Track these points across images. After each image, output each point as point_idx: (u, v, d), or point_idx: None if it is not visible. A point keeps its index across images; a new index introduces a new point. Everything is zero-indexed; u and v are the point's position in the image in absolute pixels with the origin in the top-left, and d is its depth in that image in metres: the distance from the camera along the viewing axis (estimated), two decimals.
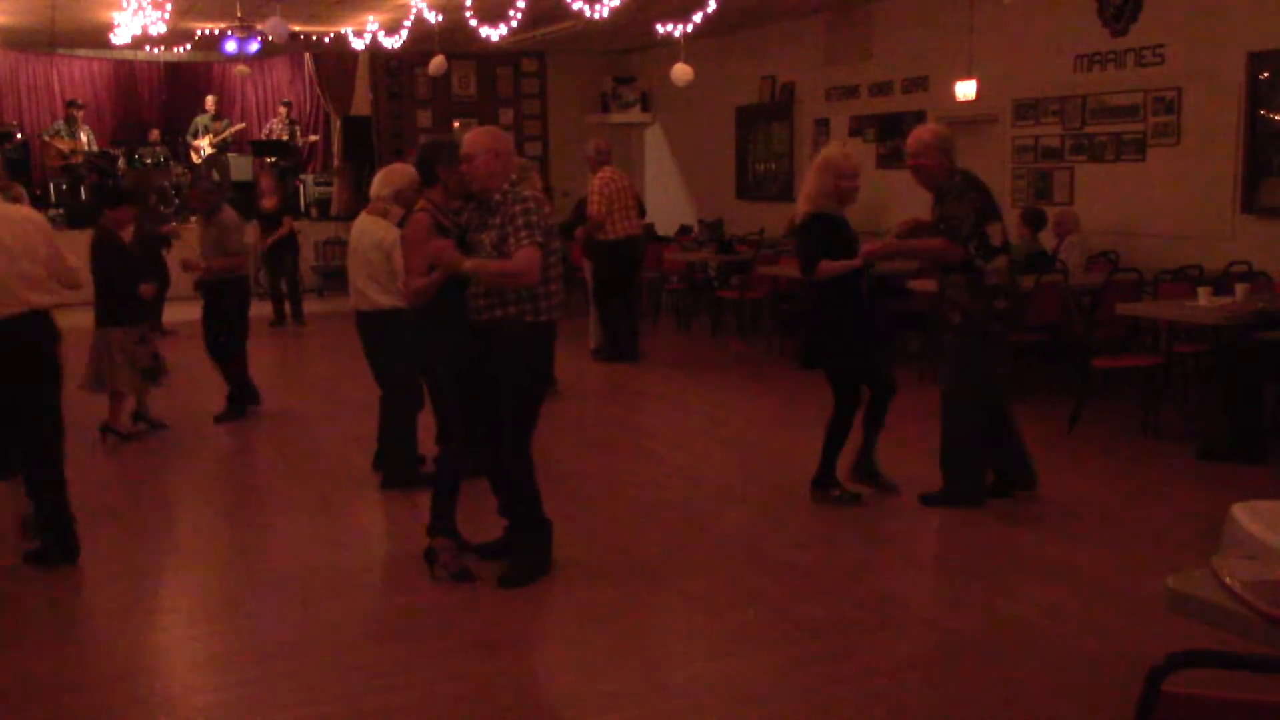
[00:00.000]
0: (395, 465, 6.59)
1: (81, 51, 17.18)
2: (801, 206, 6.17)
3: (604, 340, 10.86)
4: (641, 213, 11.86)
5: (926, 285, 9.41)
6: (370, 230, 6.44)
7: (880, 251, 6.19)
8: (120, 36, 13.68)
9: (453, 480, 5.18)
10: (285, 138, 17.32)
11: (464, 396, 5.10)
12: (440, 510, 5.17)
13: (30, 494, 5.42)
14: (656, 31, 13.33)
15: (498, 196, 4.93)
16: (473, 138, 5.02)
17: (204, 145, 17.04)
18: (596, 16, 11.23)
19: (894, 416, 6.41)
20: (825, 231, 6.07)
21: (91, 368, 7.59)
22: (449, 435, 5.20)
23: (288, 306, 13.53)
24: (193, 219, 11.14)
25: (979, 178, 6.13)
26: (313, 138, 17.90)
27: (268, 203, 13.18)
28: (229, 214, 8.60)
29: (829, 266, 6.01)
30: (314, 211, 16.74)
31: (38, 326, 5.23)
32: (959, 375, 6.07)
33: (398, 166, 6.72)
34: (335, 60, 17.12)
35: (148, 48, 15.91)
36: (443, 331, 5.04)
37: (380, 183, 6.52)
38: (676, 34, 12.75)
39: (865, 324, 6.16)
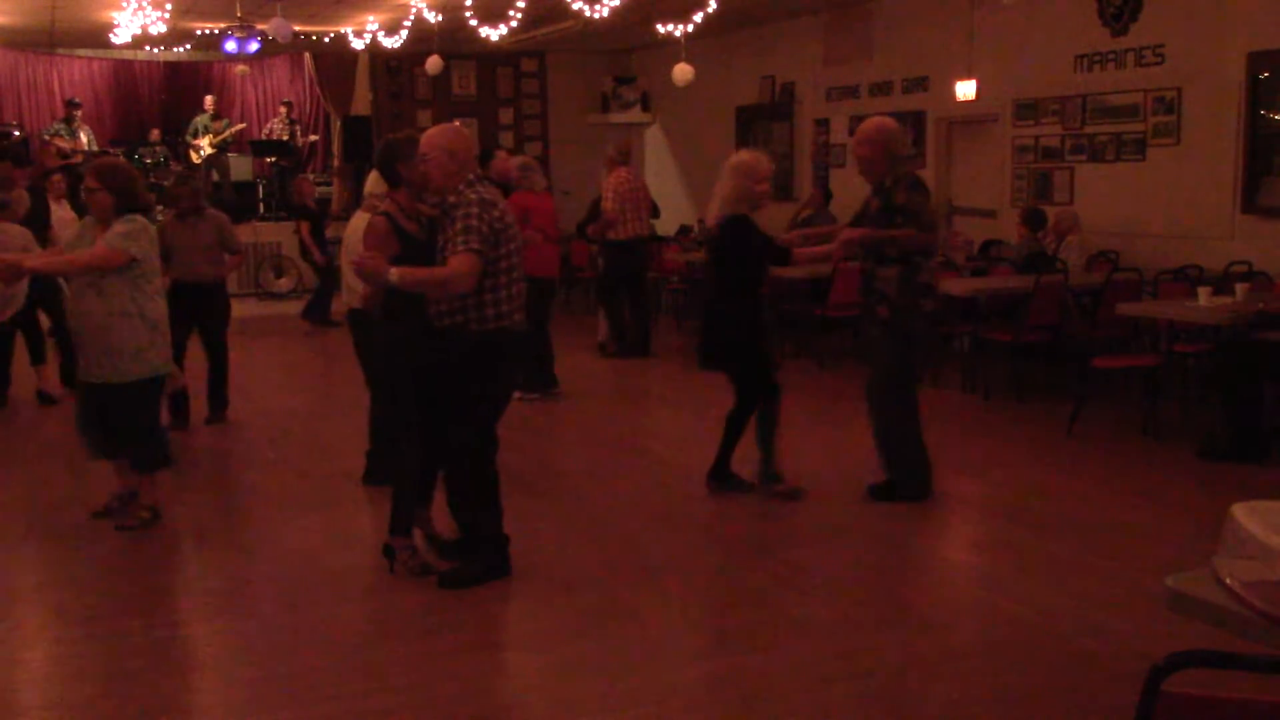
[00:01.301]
0: (379, 461, 6.65)
1: (81, 51, 17.19)
2: (719, 211, 6.16)
3: (610, 335, 10.94)
4: (655, 215, 11.90)
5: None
6: (361, 228, 6.48)
7: (858, 240, 6.12)
8: (120, 36, 13.69)
9: (411, 478, 5.19)
10: (285, 138, 17.32)
11: (420, 397, 5.06)
12: (399, 508, 5.19)
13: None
14: (656, 31, 13.34)
15: (452, 198, 4.83)
16: (428, 136, 4.94)
17: (204, 145, 17.04)
18: (596, 16, 11.24)
19: None
20: (745, 234, 6.11)
21: None
22: (408, 433, 5.17)
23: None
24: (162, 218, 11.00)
25: (919, 178, 6.17)
26: (313, 137, 17.91)
27: (313, 203, 13.26)
28: (219, 213, 8.64)
29: (802, 255, 6.08)
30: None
31: None
32: (884, 372, 6.13)
33: None
34: (335, 60, 17.12)
35: (147, 48, 15.91)
36: (403, 331, 5.00)
37: (373, 181, 6.57)
38: (676, 34, 12.76)
39: (764, 325, 6.30)
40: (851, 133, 13.47)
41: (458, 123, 17.60)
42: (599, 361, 10.82)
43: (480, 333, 4.82)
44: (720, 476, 6.36)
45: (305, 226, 13.21)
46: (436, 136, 4.91)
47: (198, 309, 8.14)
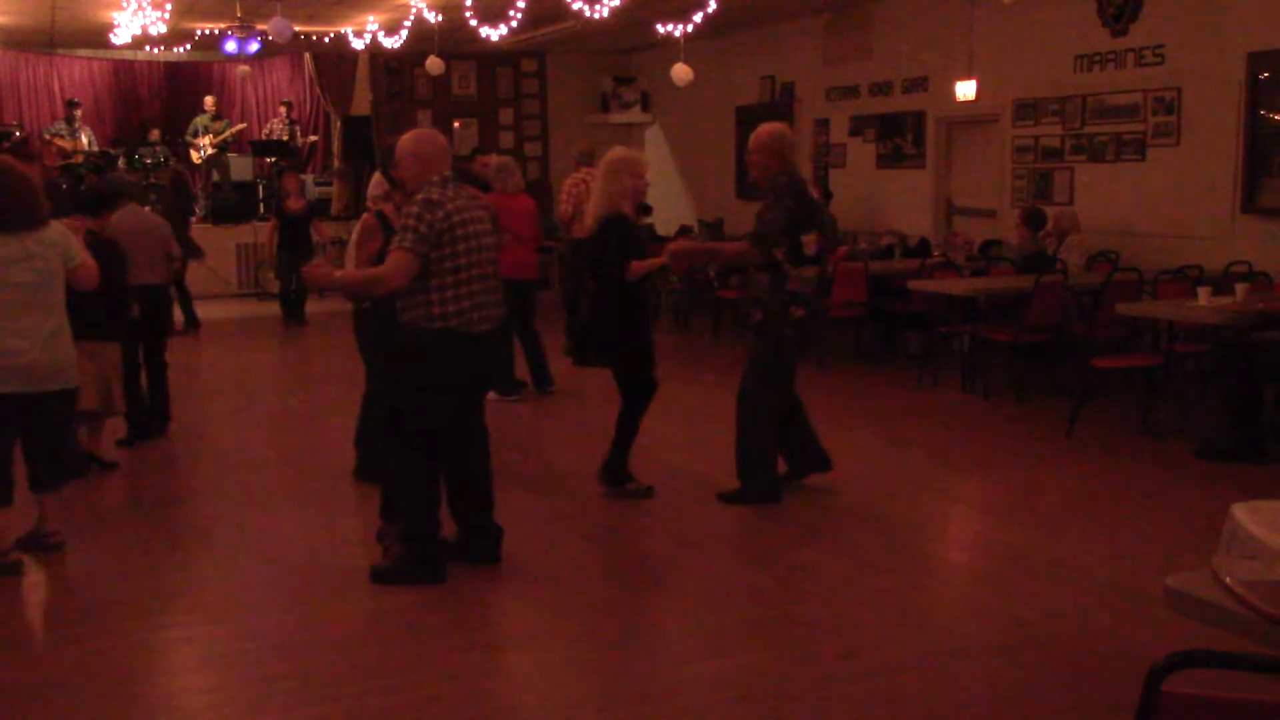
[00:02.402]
0: (369, 457, 6.68)
1: (81, 51, 17.19)
2: (598, 209, 6.17)
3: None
4: (644, 211, 11.84)
5: (926, 285, 9.43)
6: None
7: (684, 251, 6.29)
8: (120, 36, 13.70)
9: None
10: (285, 138, 17.32)
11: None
12: (386, 496, 5.31)
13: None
14: (656, 31, 13.34)
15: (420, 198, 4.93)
16: (400, 142, 5.08)
17: (204, 145, 17.03)
18: (596, 16, 11.24)
19: (898, 417, 6.41)
20: (626, 232, 6.17)
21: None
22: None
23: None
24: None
25: (805, 188, 6.22)
26: (313, 138, 17.91)
27: (294, 204, 13.22)
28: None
29: (639, 267, 6.12)
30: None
31: None
32: (754, 375, 6.19)
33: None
34: (335, 60, 17.12)
35: (147, 48, 15.91)
36: (383, 329, 5.17)
37: (374, 183, 6.66)
38: (676, 34, 12.76)
39: (645, 321, 6.37)
40: (852, 133, 13.56)
41: (458, 123, 17.66)
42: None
43: (426, 330, 4.88)
44: (615, 479, 6.40)
45: (271, 225, 13.41)
46: (405, 142, 5.06)
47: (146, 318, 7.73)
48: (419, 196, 4.88)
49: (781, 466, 6.38)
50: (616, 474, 6.39)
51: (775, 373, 6.16)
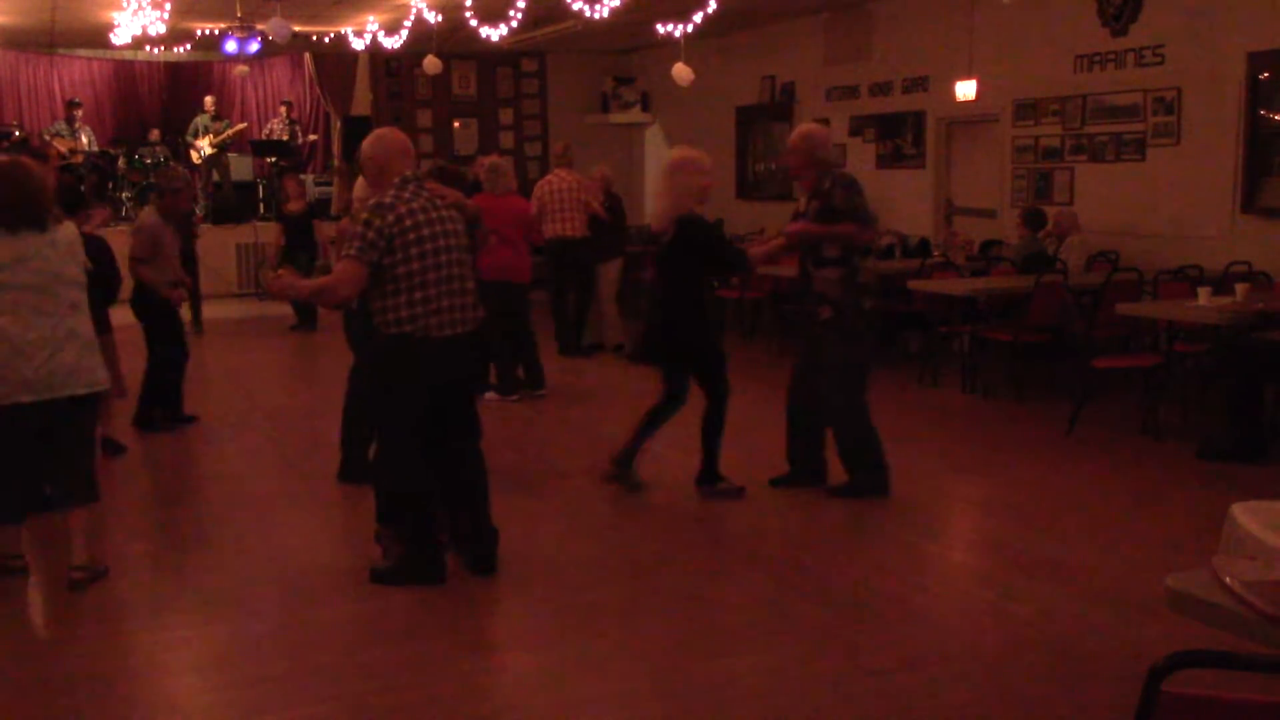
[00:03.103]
0: (349, 458, 6.75)
1: (81, 51, 17.18)
2: (670, 210, 6.19)
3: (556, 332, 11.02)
4: (619, 215, 11.72)
5: (926, 285, 9.43)
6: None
7: (803, 233, 6.27)
8: (120, 37, 13.69)
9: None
10: (286, 138, 17.32)
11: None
12: (380, 496, 5.27)
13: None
14: (656, 31, 13.33)
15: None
16: (361, 146, 5.05)
17: (204, 145, 17.03)
18: (596, 16, 11.24)
19: (898, 416, 6.42)
20: (708, 230, 6.30)
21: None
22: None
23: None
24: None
25: (854, 180, 6.29)
26: (312, 137, 17.91)
27: (294, 206, 13.21)
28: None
29: (758, 253, 6.25)
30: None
31: None
32: (830, 372, 6.21)
33: None
34: (335, 60, 17.12)
35: (148, 48, 15.90)
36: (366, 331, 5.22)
37: (358, 185, 6.70)
38: (676, 34, 12.75)
39: (714, 327, 6.44)
40: (852, 133, 13.55)
41: (458, 123, 17.62)
42: (594, 362, 10.81)
43: (387, 336, 4.85)
44: (710, 479, 6.41)
45: (277, 229, 13.39)
46: (364, 144, 5.04)
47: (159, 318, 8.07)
48: (370, 201, 4.83)
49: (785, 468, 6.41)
50: (708, 475, 6.40)
51: (851, 364, 6.18)
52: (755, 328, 12.22)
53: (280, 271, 5.17)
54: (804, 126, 6.45)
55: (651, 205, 6.30)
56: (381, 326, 4.85)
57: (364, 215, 4.76)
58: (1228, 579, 2.54)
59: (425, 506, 5.04)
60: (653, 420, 6.40)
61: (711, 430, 6.36)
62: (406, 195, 4.81)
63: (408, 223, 4.74)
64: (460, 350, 4.97)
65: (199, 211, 15.77)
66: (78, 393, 4.87)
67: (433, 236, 4.80)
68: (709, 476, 6.40)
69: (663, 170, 6.36)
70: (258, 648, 4.53)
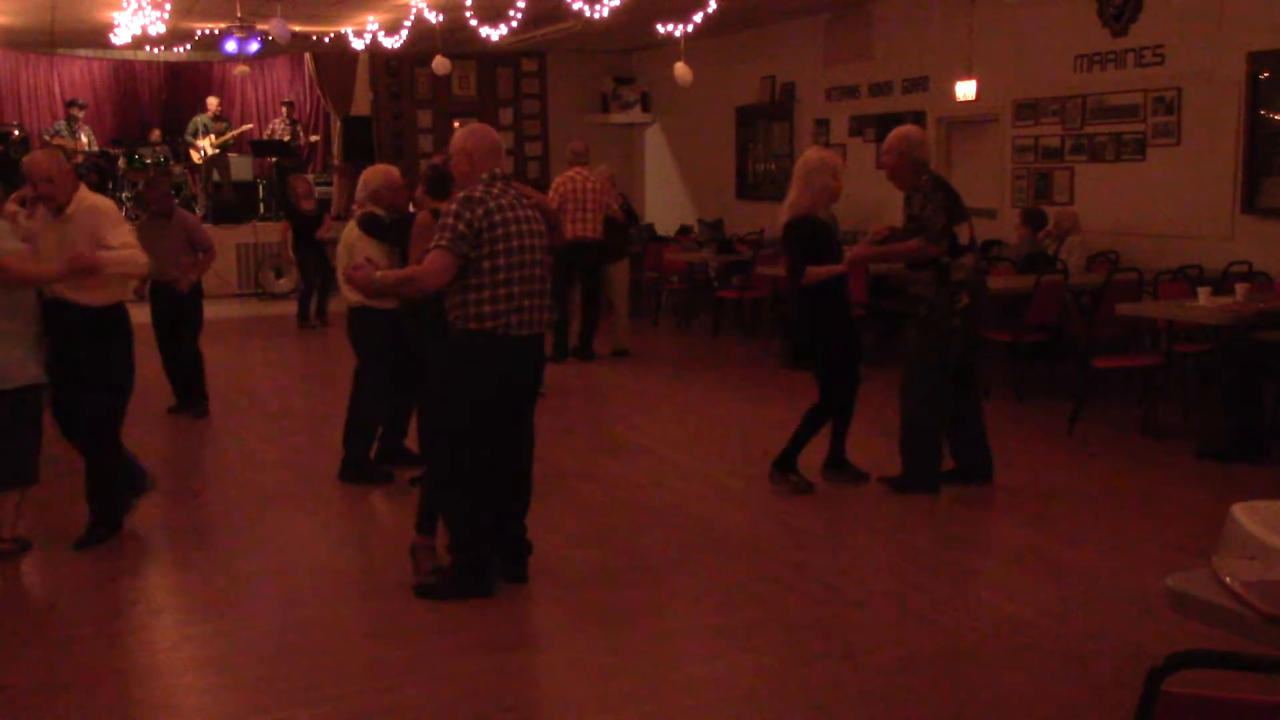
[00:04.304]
0: (349, 459, 6.76)
1: (81, 51, 17.18)
2: (794, 211, 6.27)
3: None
4: (631, 218, 11.74)
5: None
6: (352, 237, 6.63)
7: (861, 257, 6.50)
8: (120, 36, 13.69)
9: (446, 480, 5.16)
10: (287, 138, 17.32)
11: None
12: (424, 506, 5.18)
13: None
14: (656, 31, 13.34)
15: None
16: (453, 137, 4.98)
17: (205, 145, 17.04)
18: (596, 16, 11.24)
19: (897, 416, 6.42)
20: (814, 234, 6.28)
21: None
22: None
23: (313, 305, 13.44)
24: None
25: (947, 180, 6.37)
26: (313, 137, 17.91)
27: (306, 204, 13.18)
28: (187, 214, 8.84)
29: (815, 273, 6.20)
30: None
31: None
32: (920, 367, 6.28)
33: (378, 168, 6.88)
34: (335, 60, 17.12)
35: (148, 48, 15.91)
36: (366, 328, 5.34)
37: (360, 186, 6.72)
38: (676, 34, 12.76)
39: (850, 323, 6.45)
40: (852, 133, 13.56)
41: (458, 123, 17.62)
42: (593, 363, 10.80)
43: (463, 331, 4.78)
44: (786, 466, 6.43)
45: (285, 226, 13.40)
46: (456, 138, 4.93)
47: (174, 313, 8.42)
48: (460, 194, 4.77)
49: (949, 463, 6.47)
50: (789, 464, 6.42)
51: (941, 364, 6.23)
52: (755, 328, 12.23)
53: (361, 262, 5.00)
54: (902, 128, 6.47)
55: (788, 200, 6.29)
56: (458, 322, 4.76)
57: (453, 207, 4.69)
58: (1228, 579, 2.54)
59: (475, 517, 4.93)
60: (843, 415, 6.47)
61: (808, 423, 6.39)
62: (495, 192, 4.76)
63: (496, 218, 4.69)
64: (535, 351, 4.95)
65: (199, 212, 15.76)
66: (7, 388, 5.25)
67: (519, 235, 4.76)
68: (785, 463, 6.42)
69: (799, 167, 6.39)
70: (258, 648, 4.53)
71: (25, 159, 6.02)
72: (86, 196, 5.57)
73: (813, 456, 6.47)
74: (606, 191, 10.73)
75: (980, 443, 6.49)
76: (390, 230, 6.39)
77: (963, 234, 6.17)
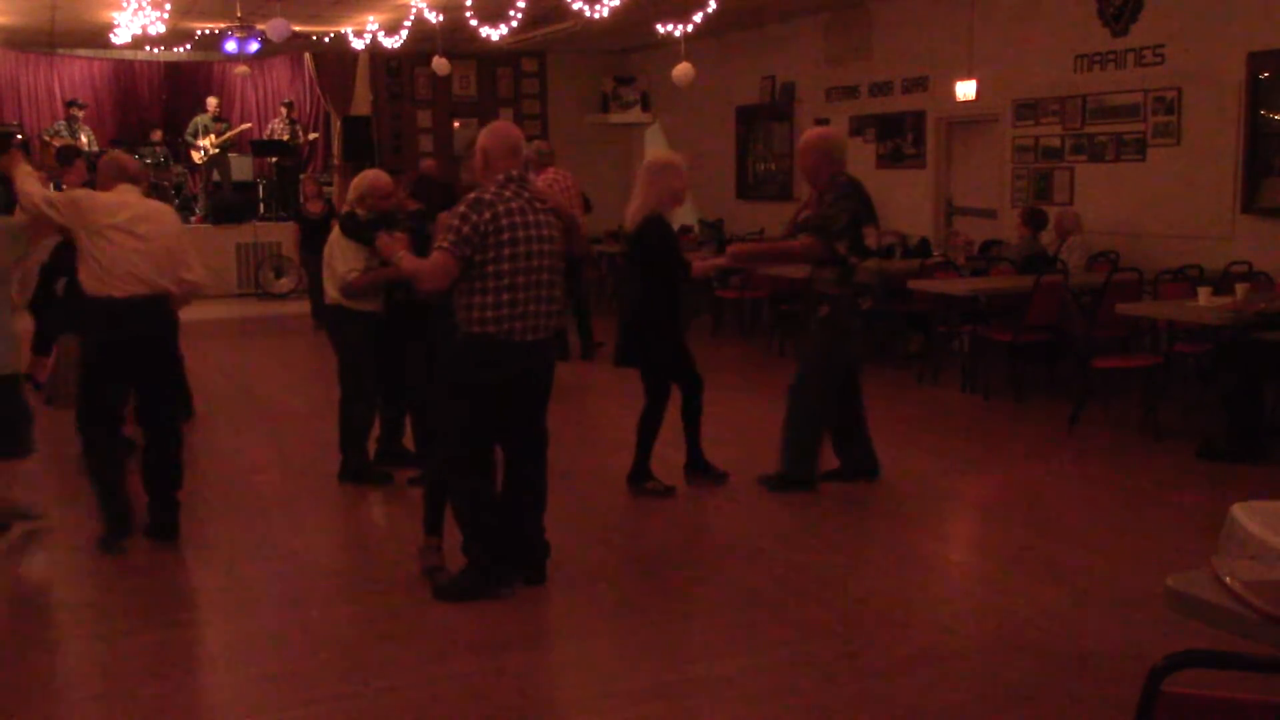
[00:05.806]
0: (348, 459, 6.76)
1: (81, 51, 17.18)
2: (641, 210, 6.25)
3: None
4: (586, 208, 11.70)
5: (927, 285, 9.43)
6: (338, 236, 6.66)
7: (746, 253, 6.40)
8: (120, 37, 13.69)
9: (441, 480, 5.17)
10: (287, 138, 17.32)
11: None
12: (429, 507, 5.20)
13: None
14: (656, 31, 13.33)
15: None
16: (479, 134, 4.95)
17: (205, 145, 17.04)
18: (596, 16, 11.24)
19: (897, 416, 6.42)
20: (666, 233, 6.34)
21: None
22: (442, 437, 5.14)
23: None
24: None
25: (861, 184, 6.39)
26: (313, 136, 17.91)
27: (313, 207, 13.14)
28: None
29: (701, 267, 6.27)
30: None
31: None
32: (814, 364, 6.35)
33: (367, 173, 6.90)
34: (335, 60, 17.12)
35: (148, 48, 15.91)
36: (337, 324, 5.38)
37: (353, 186, 6.77)
38: (676, 34, 12.76)
39: (679, 323, 6.46)
40: (852, 133, 13.55)
41: (458, 123, 17.62)
42: (597, 363, 10.81)
43: (466, 334, 4.77)
44: (639, 478, 6.46)
45: (295, 229, 13.39)
46: (480, 135, 4.90)
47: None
48: (469, 195, 4.75)
49: (833, 462, 6.51)
50: (641, 475, 6.45)
51: (835, 365, 6.31)
52: (754, 328, 12.22)
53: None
54: (818, 129, 6.56)
55: (634, 205, 6.29)
56: (463, 324, 4.75)
57: (461, 209, 4.67)
58: (1228, 579, 2.54)
59: (491, 518, 4.91)
60: (690, 418, 6.51)
61: (645, 430, 6.44)
62: (507, 194, 4.71)
63: (504, 222, 4.65)
64: (540, 355, 4.89)
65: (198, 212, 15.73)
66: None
67: (527, 239, 4.70)
68: (637, 475, 6.44)
69: (643, 170, 6.41)
70: (257, 648, 4.53)
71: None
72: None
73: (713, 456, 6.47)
74: (576, 189, 10.81)
75: (863, 442, 6.53)
76: (363, 229, 6.40)
77: (870, 237, 6.20)
